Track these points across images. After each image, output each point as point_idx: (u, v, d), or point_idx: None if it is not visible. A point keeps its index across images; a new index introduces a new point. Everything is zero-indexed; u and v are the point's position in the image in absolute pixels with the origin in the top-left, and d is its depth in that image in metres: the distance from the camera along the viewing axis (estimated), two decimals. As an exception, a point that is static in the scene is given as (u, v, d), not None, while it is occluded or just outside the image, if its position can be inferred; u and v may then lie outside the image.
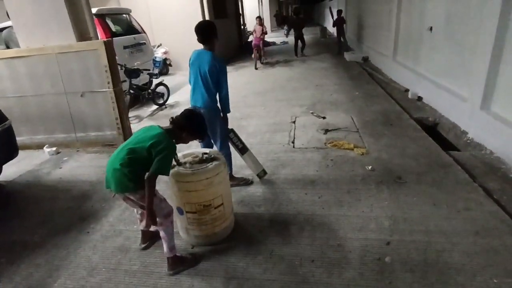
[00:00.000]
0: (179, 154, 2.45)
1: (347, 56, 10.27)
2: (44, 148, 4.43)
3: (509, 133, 3.33)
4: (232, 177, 3.17)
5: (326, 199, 2.88)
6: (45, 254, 2.46)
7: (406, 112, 5.04)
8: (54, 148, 4.43)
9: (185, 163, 2.36)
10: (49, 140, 4.57)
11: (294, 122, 4.90)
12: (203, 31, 2.82)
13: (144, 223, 2.28)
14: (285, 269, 2.14)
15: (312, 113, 5.19)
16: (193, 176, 2.21)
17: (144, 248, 2.42)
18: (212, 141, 3.05)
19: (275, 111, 5.52)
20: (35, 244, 2.58)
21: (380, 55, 8.55)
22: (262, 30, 10.18)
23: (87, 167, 3.96)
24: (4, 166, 3.51)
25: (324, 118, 4.92)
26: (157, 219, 2.01)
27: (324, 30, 17.96)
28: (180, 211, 2.33)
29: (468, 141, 3.98)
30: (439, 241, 2.29)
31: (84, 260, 2.37)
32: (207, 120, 2.94)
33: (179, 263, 2.20)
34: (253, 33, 10.44)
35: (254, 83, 7.74)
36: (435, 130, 4.68)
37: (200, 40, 2.84)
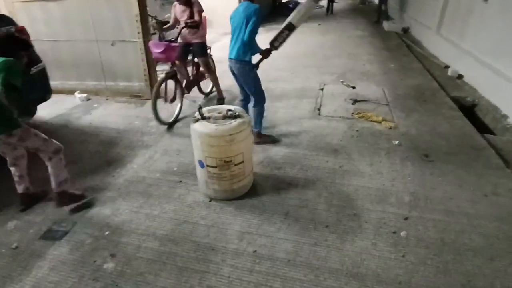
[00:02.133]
0: (204, 109, 2.45)
1: (386, 25, 9.57)
2: (76, 93, 4.57)
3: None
4: (260, 134, 3.20)
5: (347, 169, 2.84)
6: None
7: (443, 90, 4.73)
8: (85, 95, 4.57)
9: (209, 117, 2.36)
10: (80, 87, 4.70)
11: (322, 89, 4.74)
12: None
13: (22, 186, 2.38)
14: (299, 231, 2.18)
15: (342, 82, 4.99)
16: (216, 131, 2.22)
17: (22, 210, 2.42)
18: (247, 91, 3.08)
19: (304, 77, 5.34)
20: (66, 181, 2.74)
21: (423, 26, 7.90)
22: None
23: (115, 115, 4.07)
24: (39, 108, 3.67)
25: (354, 88, 4.72)
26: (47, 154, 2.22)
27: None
28: (201, 164, 2.38)
29: (508, 125, 3.72)
30: (460, 222, 2.24)
31: (110, 201, 2.51)
32: (239, 74, 2.95)
33: (66, 199, 2.34)
34: None
35: (284, 47, 7.44)
36: (473, 112, 4.39)
37: None
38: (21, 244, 2.14)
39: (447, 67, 5.73)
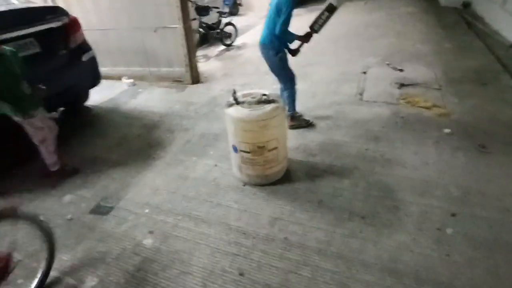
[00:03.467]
0: (238, 93, 2.43)
1: None
2: (123, 79, 4.84)
3: None
4: (293, 117, 3.16)
5: (389, 157, 2.67)
6: (120, 171, 2.81)
7: (507, 71, 4.18)
8: (131, 80, 4.82)
9: (243, 102, 2.34)
10: (127, 73, 4.95)
11: (365, 73, 4.46)
12: None
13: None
14: (332, 220, 2.11)
15: (388, 64, 4.64)
16: (249, 116, 2.20)
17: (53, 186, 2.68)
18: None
19: (346, 60, 5.06)
20: (113, 161, 2.95)
21: (486, 0, 7.00)
22: None
23: (158, 100, 4.25)
24: (92, 93, 3.96)
25: (401, 70, 4.37)
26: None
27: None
28: (235, 149, 2.39)
29: None
30: (518, 221, 2.00)
31: (150, 181, 2.65)
32: (265, 58, 2.96)
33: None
34: None
35: (326, 29, 7.11)
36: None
37: None
38: (75, 216, 2.36)
39: (514, 46, 5.04)
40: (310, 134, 3.11)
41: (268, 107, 2.25)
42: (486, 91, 3.67)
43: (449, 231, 1.97)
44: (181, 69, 4.61)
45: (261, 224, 2.14)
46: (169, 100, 4.17)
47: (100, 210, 2.40)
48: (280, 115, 2.29)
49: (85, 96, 3.91)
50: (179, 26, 4.30)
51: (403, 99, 3.57)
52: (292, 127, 3.15)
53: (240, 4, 9.86)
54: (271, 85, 4.13)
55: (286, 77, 3.00)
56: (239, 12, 9.90)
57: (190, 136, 3.27)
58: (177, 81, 4.68)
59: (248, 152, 2.32)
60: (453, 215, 2.08)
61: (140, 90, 4.61)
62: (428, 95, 3.64)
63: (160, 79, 4.80)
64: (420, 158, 2.63)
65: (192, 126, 3.47)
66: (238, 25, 6.80)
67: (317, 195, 2.34)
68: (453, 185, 2.31)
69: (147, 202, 2.42)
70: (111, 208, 2.40)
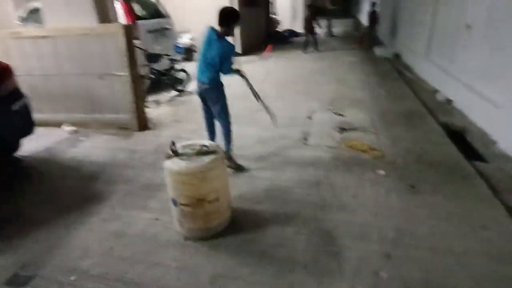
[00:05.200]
0: (178, 145, 2.41)
1: (378, 51, 9.77)
2: (63, 126, 4.58)
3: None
4: (229, 158, 3.23)
5: (330, 202, 2.75)
6: (47, 231, 2.54)
7: (431, 115, 4.70)
8: (73, 127, 4.58)
9: (182, 154, 2.32)
10: (69, 119, 4.71)
11: (310, 117, 4.73)
12: (223, 16, 2.92)
13: None
14: (275, 273, 2.06)
15: (330, 109, 4.98)
16: (187, 169, 2.16)
17: None
18: (214, 114, 3.21)
19: (293, 105, 5.35)
20: (40, 220, 2.67)
21: (413, 52, 8.04)
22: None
23: (101, 148, 4.04)
24: (25, 142, 3.67)
25: (342, 115, 4.71)
26: None
27: (357, 23, 17.22)
28: (175, 203, 2.30)
29: (497, 152, 3.64)
30: (447, 261, 2.11)
31: (80, 241, 2.42)
32: (209, 96, 3.12)
33: None
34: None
35: (277, 74, 7.59)
36: (462, 137, 4.33)
37: (219, 23, 2.95)
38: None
39: (436, 91, 5.75)
40: (255, 180, 3.12)
41: (207, 159, 2.24)
42: (415, 133, 4.05)
43: (384, 275, 2.01)
44: (127, 116, 4.50)
45: (201, 284, 2.01)
46: (113, 149, 3.99)
47: (17, 281, 2.10)
48: (219, 166, 2.29)
49: (15, 147, 3.61)
50: (126, 73, 4.28)
51: (344, 143, 3.80)
52: (228, 166, 3.23)
53: (194, 51, 10.19)
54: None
55: (227, 112, 3.18)
56: (194, 58, 10.20)
57: (132, 187, 3.11)
58: (123, 128, 4.55)
59: (188, 206, 2.24)
60: (388, 257, 2.14)
61: (82, 138, 4.38)
62: (365, 139, 3.92)
63: (105, 126, 4.62)
64: (358, 201, 2.74)
65: (135, 176, 3.31)
66: (191, 71, 6.96)
67: (261, 246, 2.30)
68: (388, 227, 2.42)
69: (74, 267, 2.18)
70: (30, 277, 2.11)
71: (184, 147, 2.42)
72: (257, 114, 4.85)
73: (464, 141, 4.24)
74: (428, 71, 6.65)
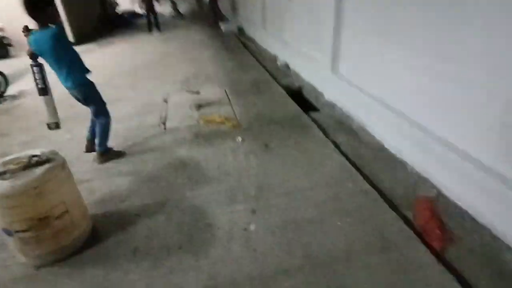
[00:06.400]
0: (-4, 162, 1.94)
1: (223, 27, 10.17)
2: None
3: (352, 91, 3.85)
4: (103, 154, 3.09)
5: (196, 179, 2.82)
6: None
7: (274, 80, 5.32)
8: None
9: (4, 172, 1.88)
10: None
11: (166, 101, 4.59)
12: (30, 4, 2.36)
13: None
14: (151, 265, 2.01)
15: (185, 89, 4.97)
16: (13, 188, 1.78)
17: None
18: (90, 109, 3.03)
19: (147, 91, 5.08)
20: None
21: (253, 24, 8.74)
22: None
23: None
24: None
25: (198, 93, 4.78)
26: None
27: (201, 0, 17.32)
28: (8, 232, 1.89)
29: (324, 101, 4.48)
30: (297, 198, 2.51)
31: None
32: (83, 96, 2.88)
33: None
34: None
35: (123, 61, 6.97)
36: (300, 94, 5.11)
37: (31, 16, 2.40)
38: None
39: (276, 58, 6.49)
40: (116, 179, 2.88)
41: (39, 170, 1.90)
42: (263, 98, 4.52)
43: (252, 227, 2.25)
44: None
45: (67, 308, 1.77)
46: None
47: None
48: (59, 174, 1.97)
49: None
50: None
51: (202, 119, 3.89)
52: (104, 161, 3.08)
53: (10, 45, 8.16)
54: (64, 135, 3.63)
55: (103, 105, 3.05)
56: (11, 54, 8.18)
57: None
58: None
59: (27, 231, 1.88)
60: (254, 212, 2.40)
61: None
62: (222, 111, 4.12)
63: None
64: (222, 170, 2.91)
65: None
66: (8, 71, 5.60)
67: (132, 243, 2.17)
68: (250, 186, 2.68)
69: None
70: None
71: (5, 163, 1.97)
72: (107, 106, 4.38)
73: (301, 97, 5.02)
74: (267, 41, 7.40)
